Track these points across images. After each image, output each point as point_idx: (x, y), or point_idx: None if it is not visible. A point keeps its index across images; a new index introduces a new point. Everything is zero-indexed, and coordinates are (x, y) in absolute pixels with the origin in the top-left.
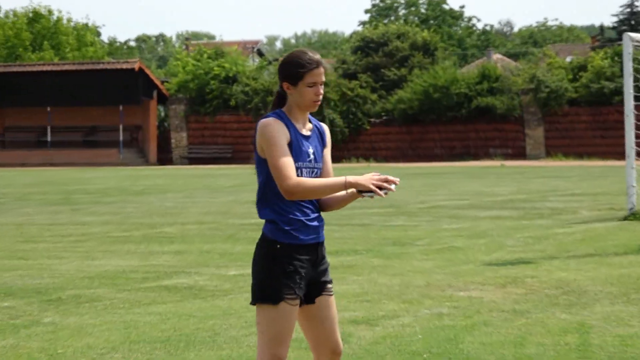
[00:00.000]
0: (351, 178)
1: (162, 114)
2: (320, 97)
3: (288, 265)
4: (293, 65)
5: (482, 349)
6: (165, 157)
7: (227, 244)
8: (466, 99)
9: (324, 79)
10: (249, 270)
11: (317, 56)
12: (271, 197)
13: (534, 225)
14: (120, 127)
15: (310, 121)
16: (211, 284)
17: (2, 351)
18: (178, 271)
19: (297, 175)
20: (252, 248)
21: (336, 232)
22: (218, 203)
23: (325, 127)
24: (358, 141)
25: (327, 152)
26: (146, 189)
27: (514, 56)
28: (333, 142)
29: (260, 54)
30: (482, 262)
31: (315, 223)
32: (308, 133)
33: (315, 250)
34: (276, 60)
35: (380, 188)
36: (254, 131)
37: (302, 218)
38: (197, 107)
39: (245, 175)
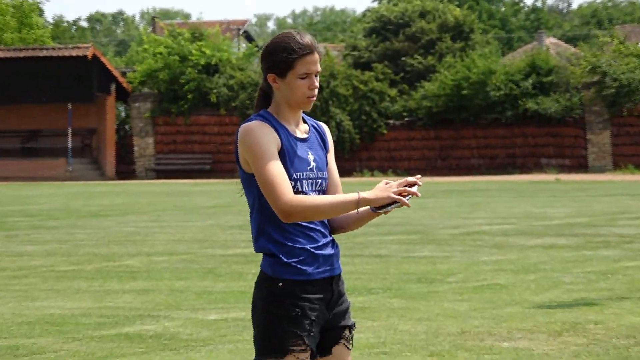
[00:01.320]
0: (365, 193)
1: (123, 114)
2: (316, 91)
3: (294, 308)
4: (279, 51)
5: None
6: (126, 170)
7: (206, 280)
8: (510, 96)
9: (319, 67)
10: (232, 314)
11: (310, 39)
12: (265, 222)
13: (599, 256)
14: (69, 131)
15: (305, 121)
16: (185, 331)
17: None
18: (142, 315)
19: (297, 190)
20: (236, 286)
21: (346, 265)
22: (194, 228)
23: (325, 127)
24: (372, 149)
25: (331, 158)
26: (102, 210)
27: (573, 40)
28: (340, 150)
29: (248, 37)
30: (531, 303)
31: (327, 251)
32: (304, 135)
33: (329, 287)
34: None
35: (402, 195)
36: (235, 142)
37: (309, 246)
38: (168, 104)
39: (228, 192)
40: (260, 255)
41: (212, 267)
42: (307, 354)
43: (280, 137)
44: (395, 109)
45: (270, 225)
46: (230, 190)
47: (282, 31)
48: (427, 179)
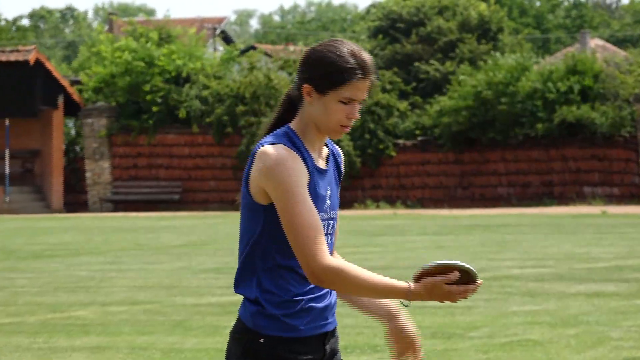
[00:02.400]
0: (420, 287)
1: (72, 131)
2: (353, 122)
3: None
4: (329, 64)
5: None
6: (76, 200)
7: (174, 335)
8: (546, 102)
9: (366, 95)
10: None
11: (370, 61)
12: (257, 260)
13: None
14: (6, 152)
15: (326, 144)
16: None
17: None
18: None
19: None
20: (211, 342)
21: (345, 317)
22: (160, 271)
23: (342, 153)
24: (378, 175)
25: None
26: (47, 250)
27: (623, 42)
28: None
29: (226, 38)
30: None
31: (323, 302)
32: (324, 165)
33: (321, 345)
34: (252, 48)
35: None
36: (249, 161)
37: (303, 296)
38: (128, 120)
39: (202, 228)
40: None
41: (182, 319)
42: None
43: (308, 170)
44: (406, 126)
45: (261, 265)
46: (204, 225)
47: (337, 38)
48: (446, 211)
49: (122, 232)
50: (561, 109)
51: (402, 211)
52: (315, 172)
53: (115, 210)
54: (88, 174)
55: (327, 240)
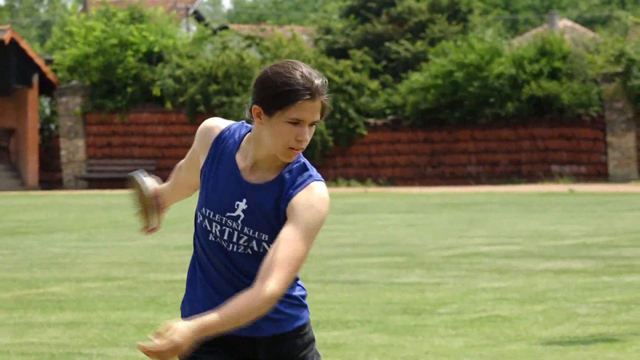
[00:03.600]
0: None
1: (47, 110)
2: (304, 144)
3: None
4: (278, 85)
5: None
6: (51, 178)
7: (148, 311)
8: (516, 82)
9: (318, 117)
10: None
11: (320, 83)
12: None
13: (621, 283)
14: None
15: (287, 170)
16: None
17: None
18: (72, 352)
19: (205, 227)
20: None
21: (317, 292)
22: (133, 248)
23: (303, 195)
24: (349, 154)
25: (289, 229)
26: (21, 227)
27: (591, 23)
28: (309, 156)
29: (199, 18)
30: (539, 339)
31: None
32: (250, 179)
33: (250, 349)
34: (224, 28)
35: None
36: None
37: (202, 303)
38: (102, 99)
39: (175, 206)
40: None
41: (156, 295)
42: None
43: (208, 155)
44: (377, 105)
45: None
46: (177, 203)
47: (289, 60)
48: (416, 189)
49: (97, 210)
50: (529, 85)
51: (372, 189)
52: (227, 171)
53: (90, 187)
54: (63, 152)
55: (211, 238)
